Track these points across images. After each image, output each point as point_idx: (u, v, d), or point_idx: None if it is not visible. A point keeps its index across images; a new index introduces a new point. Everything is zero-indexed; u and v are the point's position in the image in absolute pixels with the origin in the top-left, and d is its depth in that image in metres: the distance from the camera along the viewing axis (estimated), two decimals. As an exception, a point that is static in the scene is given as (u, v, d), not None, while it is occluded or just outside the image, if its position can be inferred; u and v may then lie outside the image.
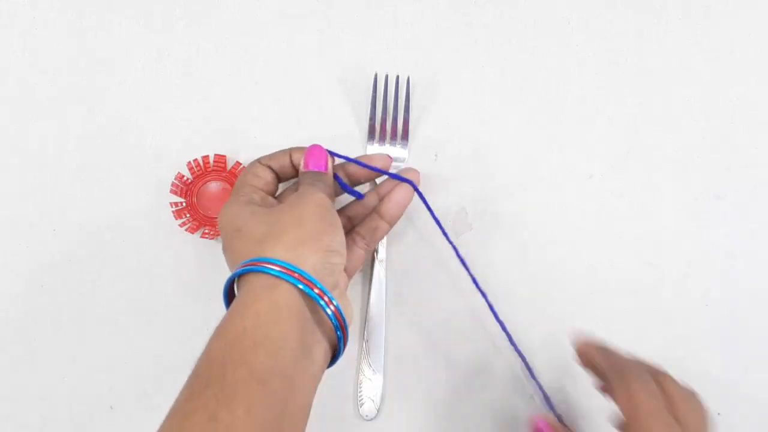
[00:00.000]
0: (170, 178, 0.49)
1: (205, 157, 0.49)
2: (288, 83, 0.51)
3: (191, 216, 0.49)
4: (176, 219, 0.48)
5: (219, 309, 0.50)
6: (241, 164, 0.49)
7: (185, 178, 0.49)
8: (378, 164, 0.45)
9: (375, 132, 0.49)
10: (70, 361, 0.49)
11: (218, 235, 0.48)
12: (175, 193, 0.49)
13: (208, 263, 0.49)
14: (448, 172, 0.50)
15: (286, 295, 0.35)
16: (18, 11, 0.52)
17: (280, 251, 0.36)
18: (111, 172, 0.50)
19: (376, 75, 0.50)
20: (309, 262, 0.36)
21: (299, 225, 0.38)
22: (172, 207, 0.49)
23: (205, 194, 0.49)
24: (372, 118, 0.49)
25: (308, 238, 0.37)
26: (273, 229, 0.38)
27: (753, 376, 0.47)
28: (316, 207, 0.39)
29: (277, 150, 0.45)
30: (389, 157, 0.46)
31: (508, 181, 0.50)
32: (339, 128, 0.51)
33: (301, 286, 0.35)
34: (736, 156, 0.50)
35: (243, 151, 0.50)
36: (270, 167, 0.44)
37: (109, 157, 0.50)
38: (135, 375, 0.49)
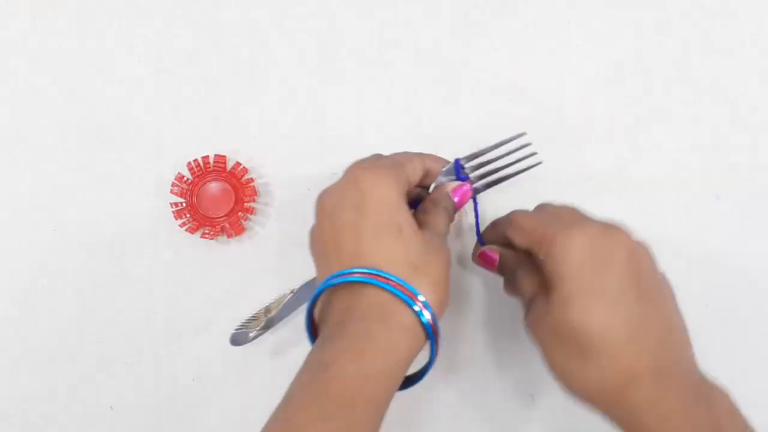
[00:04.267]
0: (170, 178, 0.49)
1: (205, 158, 0.49)
2: (288, 83, 0.51)
3: (191, 216, 0.49)
4: (176, 219, 0.48)
5: (218, 309, 0.50)
6: (241, 164, 0.49)
7: (185, 178, 0.49)
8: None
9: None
10: (70, 361, 0.49)
11: (218, 235, 0.48)
12: (175, 193, 0.49)
13: (208, 263, 0.49)
14: (448, 172, 0.50)
15: (419, 338, 0.37)
16: (18, 11, 0.52)
17: (426, 288, 0.37)
18: (111, 172, 0.50)
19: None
20: (439, 304, 0.37)
21: (440, 267, 0.38)
22: (172, 207, 0.49)
23: (205, 194, 0.49)
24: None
25: (441, 280, 0.38)
26: (422, 259, 0.37)
27: (753, 376, 0.47)
28: (447, 262, 0.39)
29: (405, 153, 0.44)
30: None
31: (507, 181, 0.50)
32: (340, 128, 0.51)
33: (429, 334, 0.37)
34: (736, 156, 0.50)
35: (243, 151, 0.50)
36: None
37: (109, 157, 0.50)
38: (135, 375, 0.49)
